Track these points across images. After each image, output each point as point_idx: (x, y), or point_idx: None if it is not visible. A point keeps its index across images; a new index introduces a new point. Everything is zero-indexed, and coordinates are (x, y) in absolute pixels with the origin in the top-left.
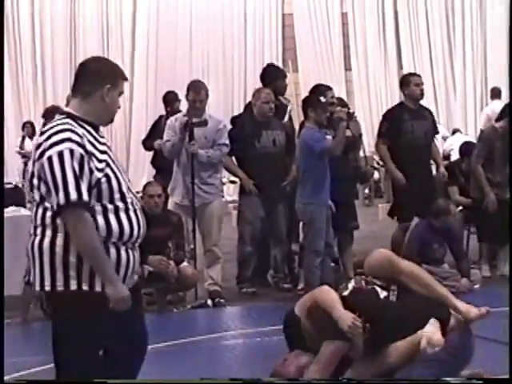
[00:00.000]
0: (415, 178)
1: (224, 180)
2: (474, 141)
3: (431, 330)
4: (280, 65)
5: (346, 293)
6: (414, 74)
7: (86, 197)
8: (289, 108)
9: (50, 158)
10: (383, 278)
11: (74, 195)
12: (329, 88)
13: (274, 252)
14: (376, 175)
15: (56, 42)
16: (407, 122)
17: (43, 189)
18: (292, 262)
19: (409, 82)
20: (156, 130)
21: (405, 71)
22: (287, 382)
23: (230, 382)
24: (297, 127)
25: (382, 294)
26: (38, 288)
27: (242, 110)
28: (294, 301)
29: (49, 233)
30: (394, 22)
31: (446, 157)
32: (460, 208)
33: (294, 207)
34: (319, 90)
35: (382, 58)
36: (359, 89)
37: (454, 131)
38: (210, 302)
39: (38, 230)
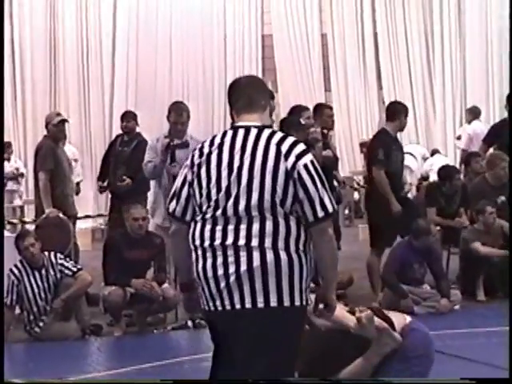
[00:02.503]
0: (401, 205)
1: None
2: (453, 163)
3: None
4: None
5: None
6: (403, 107)
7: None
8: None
9: (306, 166)
10: None
11: (330, 207)
12: (306, 108)
13: None
14: (356, 196)
15: (35, 62)
16: (394, 152)
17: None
18: None
19: (399, 114)
20: (111, 150)
21: (384, 92)
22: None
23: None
24: None
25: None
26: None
27: (222, 130)
28: None
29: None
30: (373, 43)
31: (425, 178)
32: (438, 228)
33: None
34: (297, 110)
35: (361, 78)
36: (339, 110)
37: (434, 152)
38: (190, 323)
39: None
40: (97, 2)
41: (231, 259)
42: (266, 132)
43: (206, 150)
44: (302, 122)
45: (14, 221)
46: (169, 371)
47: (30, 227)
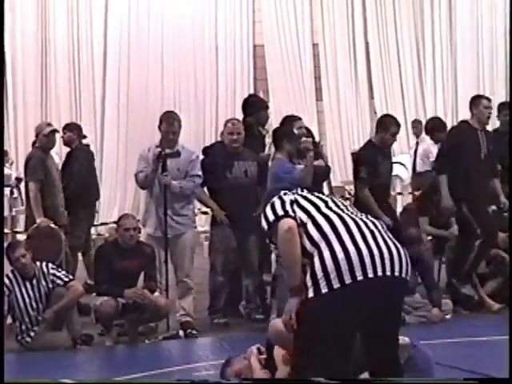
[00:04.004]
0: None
1: (196, 211)
2: None
3: None
4: None
5: None
6: (395, 123)
7: None
8: (268, 140)
9: None
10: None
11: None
12: (298, 118)
13: (246, 283)
14: None
15: (27, 71)
16: (380, 165)
17: None
18: (264, 292)
19: (386, 130)
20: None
21: (376, 102)
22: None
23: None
24: None
25: None
26: None
27: (213, 140)
28: (267, 331)
29: None
30: (364, 53)
31: (419, 188)
32: (430, 238)
33: (266, 238)
34: (289, 120)
35: (353, 88)
36: (330, 119)
37: None
38: (181, 332)
39: None
40: (88, 12)
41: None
42: None
43: None
44: (295, 131)
45: (6, 230)
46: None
47: (21, 237)
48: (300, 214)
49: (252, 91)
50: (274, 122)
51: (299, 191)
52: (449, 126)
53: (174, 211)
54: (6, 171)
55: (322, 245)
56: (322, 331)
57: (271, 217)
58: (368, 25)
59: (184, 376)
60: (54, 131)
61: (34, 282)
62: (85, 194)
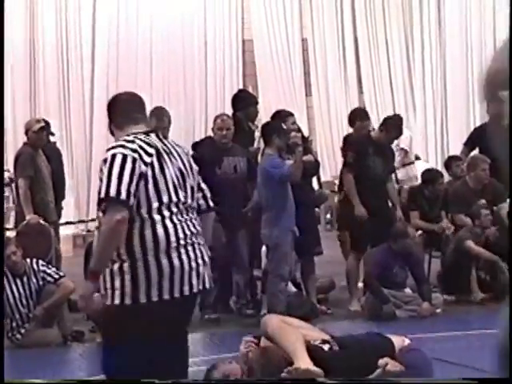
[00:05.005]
0: (373, 211)
1: None
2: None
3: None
4: None
5: None
6: (398, 128)
7: None
8: (257, 134)
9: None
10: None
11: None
12: (291, 114)
13: (236, 278)
14: (337, 200)
15: (16, 71)
16: (371, 156)
17: None
18: (254, 287)
19: (389, 133)
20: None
21: (365, 96)
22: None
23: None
24: None
25: (325, 346)
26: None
27: (203, 136)
28: (258, 327)
29: None
30: (353, 48)
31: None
32: (420, 232)
33: (256, 233)
34: (281, 115)
35: (342, 83)
36: (320, 114)
37: (414, 158)
38: None
39: None
40: (76, 12)
41: None
42: None
43: None
44: (284, 126)
45: None
46: None
47: (11, 234)
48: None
49: (241, 86)
50: (263, 117)
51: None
52: (438, 119)
53: None
54: None
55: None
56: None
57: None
58: (357, 20)
59: None
60: (44, 128)
61: (25, 279)
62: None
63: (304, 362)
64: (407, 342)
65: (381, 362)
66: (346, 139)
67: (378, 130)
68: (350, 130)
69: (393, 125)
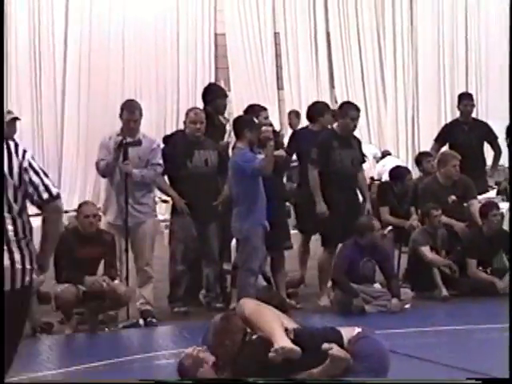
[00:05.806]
0: (342, 205)
1: (156, 199)
2: (405, 164)
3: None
4: None
5: None
6: (354, 107)
7: None
8: (228, 128)
9: None
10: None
11: None
12: (264, 108)
13: (206, 271)
14: None
15: None
16: (336, 150)
17: None
18: (224, 281)
19: (345, 115)
20: None
21: (337, 91)
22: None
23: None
24: None
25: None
26: None
27: (174, 129)
28: None
29: None
30: (326, 42)
31: (379, 179)
32: (390, 228)
33: (226, 227)
34: (254, 110)
35: (314, 77)
36: (291, 108)
37: (385, 153)
38: (141, 321)
39: None
40: (49, 5)
41: None
42: None
43: None
44: (256, 120)
45: None
46: (120, 369)
47: None
48: None
49: (213, 80)
50: (234, 110)
51: None
52: (409, 113)
53: (134, 200)
54: None
55: None
56: None
57: None
58: (329, 14)
59: (144, 364)
60: (15, 119)
61: None
62: None
63: (284, 341)
64: (357, 330)
65: (325, 345)
66: (293, 136)
67: (338, 122)
68: None
69: (347, 106)
